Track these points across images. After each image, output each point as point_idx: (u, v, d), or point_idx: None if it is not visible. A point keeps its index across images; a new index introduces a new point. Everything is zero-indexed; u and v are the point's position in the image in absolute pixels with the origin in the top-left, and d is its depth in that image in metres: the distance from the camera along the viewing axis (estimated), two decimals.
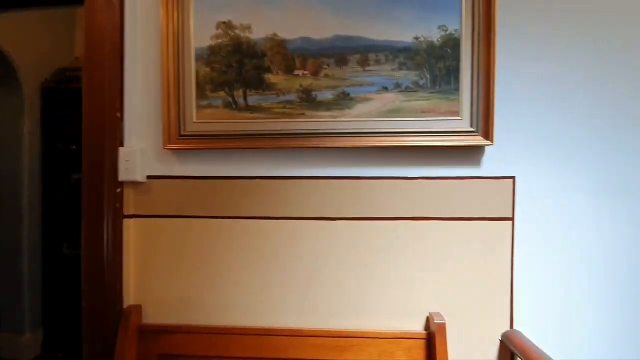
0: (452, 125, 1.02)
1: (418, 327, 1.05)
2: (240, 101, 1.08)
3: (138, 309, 1.09)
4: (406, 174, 1.05)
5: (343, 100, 1.05)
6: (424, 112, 1.03)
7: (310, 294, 1.07)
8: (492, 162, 1.04)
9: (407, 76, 1.03)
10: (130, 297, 1.11)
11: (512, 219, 1.03)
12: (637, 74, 1.02)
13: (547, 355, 0.89)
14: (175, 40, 1.06)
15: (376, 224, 1.06)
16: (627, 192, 1.03)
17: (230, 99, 1.08)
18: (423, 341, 1.01)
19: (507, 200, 1.03)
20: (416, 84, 1.03)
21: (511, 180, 1.03)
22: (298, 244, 1.07)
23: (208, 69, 1.08)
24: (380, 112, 1.04)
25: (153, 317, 1.11)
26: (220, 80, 1.08)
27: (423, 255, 1.05)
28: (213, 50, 1.07)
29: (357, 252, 1.06)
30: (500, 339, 1.04)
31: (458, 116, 1.02)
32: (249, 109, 1.08)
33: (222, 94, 1.08)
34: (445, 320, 0.99)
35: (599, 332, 1.04)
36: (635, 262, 1.03)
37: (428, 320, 1.04)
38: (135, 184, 1.11)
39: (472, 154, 1.04)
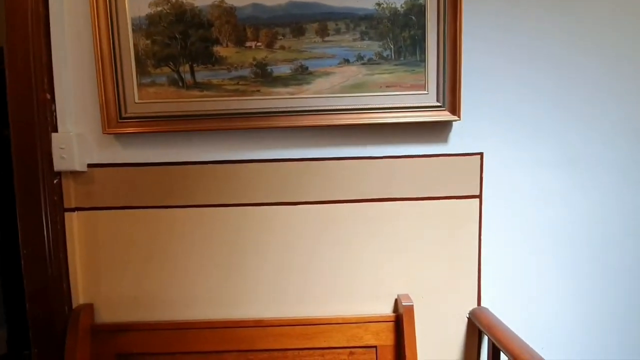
0: (418, 100, 0.96)
1: (387, 310, 1.03)
2: (187, 77, 0.97)
3: (88, 308, 1.01)
4: (371, 153, 0.99)
5: (301, 75, 0.96)
6: (389, 86, 0.96)
7: (276, 282, 1.02)
8: (459, 138, 0.99)
9: (370, 47, 0.95)
10: (79, 296, 1.03)
11: (479, 197, 1.01)
12: (605, 48, 0.99)
13: (511, 331, 0.89)
14: (106, 7, 0.92)
15: (342, 206, 1.00)
16: (593, 165, 1.02)
17: (176, 75, 0.97)
18: (391, 323, 0.99)
19: (474, 177, 1.00)
20: (379, 55, 0.96)
21: (478, 156, 1.00)
22: (260, 232, 1.01)
23: (148, 42, 0.95)
24: (342, 87, 0.96)
25: (107, 315, 1.03)
26: (163, 53, 0.96)
27: (391, 236, 1.01)
28: (152, 20, 0.95)
29: (323, 237, 1.01)
30: (467, 316, 1.03)
31: (424, 90, 0.96)
32: (197, 86, 0.97)
33: (166, 69, 0.97)
34: (412, 302, 0.97)
35: (564, 306, 1.05)
36: (602, 236, 1.03)
37: (397, 302, 1.02)
38: (74, 174, 1.00)
39: (438, 130, 0.99)
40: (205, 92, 0.97)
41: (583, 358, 1.06)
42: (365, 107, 0.96)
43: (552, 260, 1.04)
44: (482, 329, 0.95)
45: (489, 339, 0.93)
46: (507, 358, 0.84)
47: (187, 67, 0.97)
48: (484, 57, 0.98)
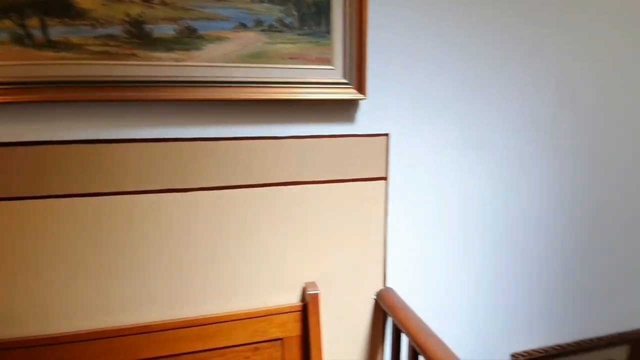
0: (324, 75, 0.89)
1: (295, 300, 0.98)
2: (37, 34, 0.76)
3: None
4: (273, 133, 0.90)
5: (189, 38, 0.81)
6: (292, 58, 0.87)
7: (171, 281, 0.89)
8: (366, 118, 0.95)
9: (270, 11, 0.84)
10: None
11: (385, 178, 0.99)
12: (511, 29, 1.01)
13: (411, 311, 0.90)
14: None
15: (241, 192, 0.90)
16: (499, 147, 1.06)
17: (22, 31, 0.75)
18: (298, 313, 0.94)
19: (380, 159, 0.98)
20: (281, 22, 0.85)
21: (385, 137, 0.97)
22: (147, 224, 0.86)
23: None
24: (239, 56, 0.84)
25: None
26: (4, 3, 0.74)
27: (296, 222, 0.95)
28: None
29: (221, 227, 0.91)
30: (373, 297, 1.03)
31: (330, 65, 0.89)
32: (51, 45, 0.76)
33: (7, 23, 0.74)
34: (318, 290, 0.93)
35: (469, 286, 1.11)
36: (506, 216, 1.10)
37: (304, 290, 0.97)
38: None
39: (345, 109, 0.93)
40: (62, 54, 0.77)
41: (486, 337, 1.14)
42: (266, 80, 0.86)
43: (458, 240, 1.08)
44: (385, 309, 0.96)
45: (392, 319, 0.94)
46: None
47: (36, 21, 0.75)
48: (392, 35, 0.94)
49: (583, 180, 1.15)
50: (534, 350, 1.16)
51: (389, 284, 1.05)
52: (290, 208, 0.94)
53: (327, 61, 0.88)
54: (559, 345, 1.19)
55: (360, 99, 0.90)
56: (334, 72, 0.89)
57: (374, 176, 0.98)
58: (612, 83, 1.13)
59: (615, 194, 1.19)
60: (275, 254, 0.95)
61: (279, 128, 0.90)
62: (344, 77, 0.89)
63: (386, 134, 0.97)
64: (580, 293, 1.22)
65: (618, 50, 1.11)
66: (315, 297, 0.91)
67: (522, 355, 1.14)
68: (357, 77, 0.89)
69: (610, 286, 1.25)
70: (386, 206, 1.00)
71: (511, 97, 1.05)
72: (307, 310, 0.92)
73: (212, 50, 0.83)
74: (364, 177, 0.98)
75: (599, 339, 1.24)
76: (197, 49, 0.82)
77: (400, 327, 0.86)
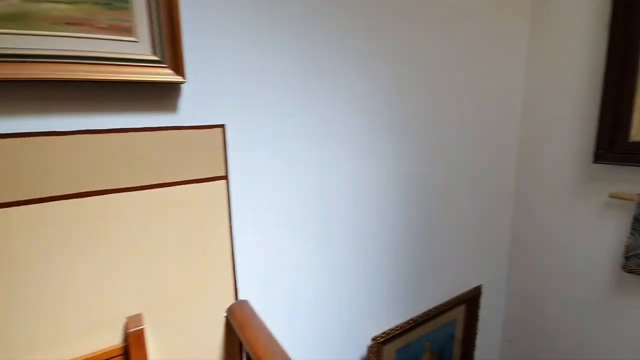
0: (124, 50, 0.68)
1: (117, 340, 0.77)
2: None
3: None
4: (64, 126, 0.66)
5: None
6: (70, 24, 0.63)
7: None
8: (192, 106, 0.78)
9: None
10: None
11: (225, 177, 0.85)
12: (356, 12, 0.97)
13: (261, 327, 0.80)
14: None
15: (23, 210, 0.64)
16: (344, 135, 1.02)
17: None
18: (120, 358, 0.74)
19: (217, 155, 0.83)
20: None
21: (220, 129, 0.83)
22: None
23: None
24: None
25: None
26: None
27: (116, 242, 0.73)
28: None
29: (11, 258, 0.63)
30: (224, 315, 0.89)
31: (132, 36, 0.68)
32: None
33: None
34: (142, 325, 0.74)
35: (325, 279, 1.06)
36: (357, 204, 1.08)
37: (125, 327, 0.76)
38: None
39: (164, 94, 0.75)
40: None
41: (349, 327, 1.13)
42: (29, 53, 0.60)
43: (311, 233, 1.02)
44: (235, 328, 0.83)
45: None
46: None
47: None
48: (219, 6, 0.78)
49: (419, 165, 1.23)
50: (391, 330, 1.22)
51: (242, 296, 0.92)
52: (104, 224, 0.71)
53: (127, 31, 0.68)
54: (411, 319, 1.28)
55: (180, 82, 0.73)
56: (138, 45, 0.69)
57: (212, 176, 0.83)
58: (439, 74, 1.22)
59: (446, 175, 1.32)
60: (92, 285, 0.72)
61: (67, 119, 0.66)
62: (154, 53, 0.70)
63: (221, 126, 0.83)
64: (425, 268, 1.33)
65: (444, 45, 1.20)
66: (138, 335, 0.72)
67: (381, 337, 1.18)
68: (172, 54, 0.71)
69: (447, 258, 1.40)
70: (229, 209, 0.86)
71: (357, 85, 1.03)
72: (129, 352, 0.72)
73: None
74: (199, 177, 0.82)
75: (443, 304, 1.38)
76: None
77: (247, 349, 0.75)
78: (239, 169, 0.86)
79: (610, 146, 1.22)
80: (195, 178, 0.81)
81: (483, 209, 1.49)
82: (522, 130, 1.53)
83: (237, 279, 0.90)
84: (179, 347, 0.83)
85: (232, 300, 0.90)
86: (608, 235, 1.31)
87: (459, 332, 1.52)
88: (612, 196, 1.26)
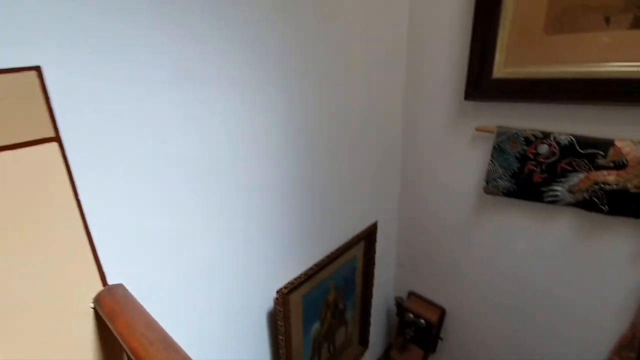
0: None
1: None
2: None
3: None
4: None
5: None
6: None
7: None
8: None
9: None
10: None
11: (56, 139, 0.64)
12: None
13: (139, 313, 0.68)
14: None
15: None
16: (221, 79, 0.86)
17: None
18: None
19: (36, 108, 0.61)
20: None
21: (34, 72, 0.60)
22: None
23: None
24: None
25: None
26: None
27: None
28: None
29: None
30: (92, 306, 0.74)
31: None
32: None
33: None
34: None
35: (222, 239, 0.95)
36: (246, 155, 0.96)
37: None
38: None
39: None
40: None
41: (255, 285, 1.07)
42: None
43: (194, 192, 0.88)
44: (106, 320, 0.69)
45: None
46: None
47: None
48: None
49: (312, 108, 1.16)
50: (295, 278, 1.21)
51: (115, 280, 0.77)
52: None
53: None
54: (315, 264, 1.30)
55: None
56: None
57: (34, 138, 0.62)
58: (330, 23, 1.11)
59: (338, 118, 1.29)
60: None
61: None
62: None
63: (36, 67, 0.60)
64: (324, 212, 1.34)
65: None
66: None
67: (286, 287, 1.17)
68: None
69: (344, 200, 1.43)
70: (71, 178, 0.67)
71: (228, 26, 0.85)
72: None
73: None
74: (14, 142, 0.60)
75: (344, 245, 1.43)
76: None
77: (121, 342, 0.63)
78: (80, 124, 0.66)
79: (477, 85, 1.33)
80: (7, 144, 0.59)
81: (377, 151, 1.54)
82: (407, 73, 1.57)
83: (100, 260, 0.74)
84: (38, 350, 0.67)
85: (99, 287, 0.75)
86: (475, 165, 1.48)
87: (359, 265, 1.63)
88: (478, 129, 1.40)
